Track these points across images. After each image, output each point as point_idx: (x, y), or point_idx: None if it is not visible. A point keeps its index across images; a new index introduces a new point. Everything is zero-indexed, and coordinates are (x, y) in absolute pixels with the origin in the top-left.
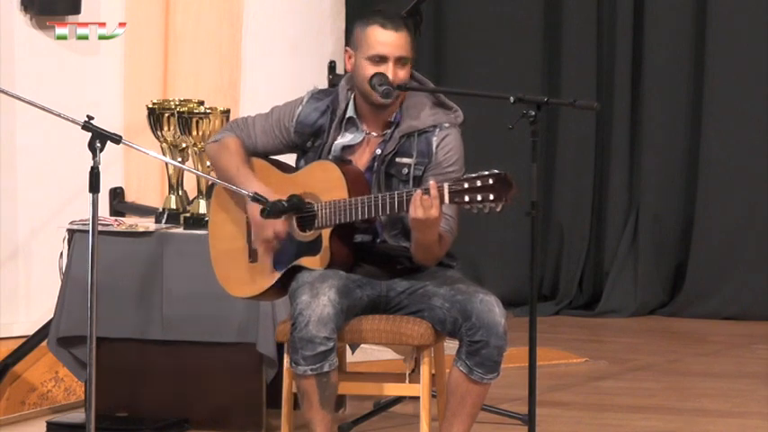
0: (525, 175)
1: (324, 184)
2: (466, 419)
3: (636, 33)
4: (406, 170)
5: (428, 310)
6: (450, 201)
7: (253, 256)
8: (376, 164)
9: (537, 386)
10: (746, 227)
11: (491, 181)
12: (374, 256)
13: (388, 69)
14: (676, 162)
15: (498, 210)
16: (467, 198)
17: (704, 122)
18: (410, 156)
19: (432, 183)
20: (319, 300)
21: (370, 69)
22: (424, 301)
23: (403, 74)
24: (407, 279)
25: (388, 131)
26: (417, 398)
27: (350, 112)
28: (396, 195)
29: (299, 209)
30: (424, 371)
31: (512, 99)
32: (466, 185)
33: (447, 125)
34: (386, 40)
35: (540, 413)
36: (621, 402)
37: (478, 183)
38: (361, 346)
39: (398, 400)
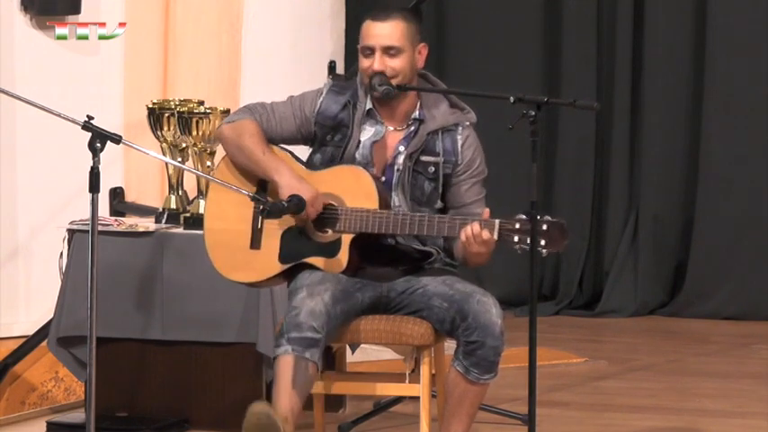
0: (525, 175)
1: (353, 189)
2: (464, 419)
3: (636, 33)
4: (433, 168)
5: (427, 309)
6: (499, 238)
7: (255, 242)
8: (401, 161)
9: (537, 386)
10: (746, 227)
11: (545, 227)
12: (378, 257)
13: (375, 60)
14: (676, 162)
15: (544, 255)
16: (516, 238)
17: (704, 122)
18: (435, 154)
19: (485, 214)
20: (314, 299)
21: (363, 62)
22: (423, 301)
23: (394, 64)
24: (407, 279)
25: (412, 128)
26: (417, 398)
27: (368, 105)
28: (437, 220)
29: (299, 209)
30: (424, 371)
31: (512, 99)
32: (517, 226)
33: (468, 124)
34: (372, 31)
35: (540, 413)
36: (621, 402)
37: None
38: (361, 346)
39: (398, 400)
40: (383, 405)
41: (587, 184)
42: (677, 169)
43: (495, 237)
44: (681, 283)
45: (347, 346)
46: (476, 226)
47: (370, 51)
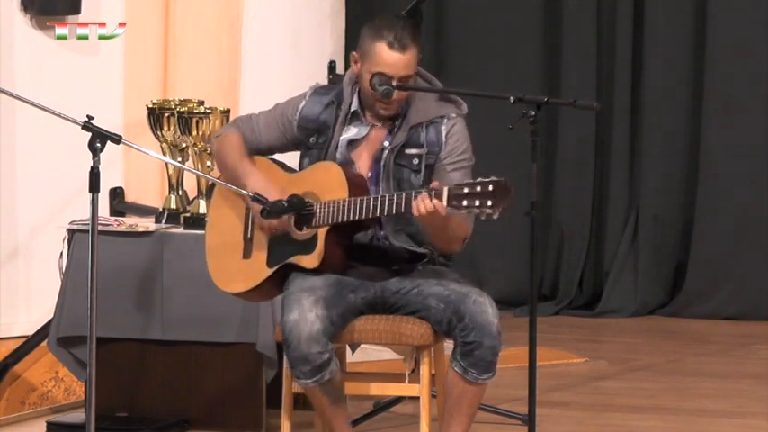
0: (525, 175)
1: (325, 183)
2: (464, 420)
3: (636, 33)
4: (417, 160)
5: (425, 310)
6: (449, 204)
7: (247, 252)
8: (385, 155)
9: (537, 386)
10: (746, 227)
11: (491, 188)
12: (369, 257)
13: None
14: (676, 162)
15: (495, 217)
16: (465, 203)
17: (704, 122)
18: (419, 146)
19: (435, 183)
20: (307, 317)
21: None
22: (419, 301)
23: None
24: (401, 279)
25: (396, 123)
26: (417, 398)
27: (354, 106)
28: (395, 197)
29: (298, 209)
30: (424, 371)
31: (512, 99)
32: (465, 190)
33: (454, 115)
34: (391, 61)
35: (540, 413)
36: (621, 402)
37: (478, 188)
38: (361, 346)
39: (398, 400)
40: (383, 405)
41: (587, 184)
42: (677, 169)
43: (445, 203)
44: (681, 283)
45: (347, 346)
46: (424, 196)
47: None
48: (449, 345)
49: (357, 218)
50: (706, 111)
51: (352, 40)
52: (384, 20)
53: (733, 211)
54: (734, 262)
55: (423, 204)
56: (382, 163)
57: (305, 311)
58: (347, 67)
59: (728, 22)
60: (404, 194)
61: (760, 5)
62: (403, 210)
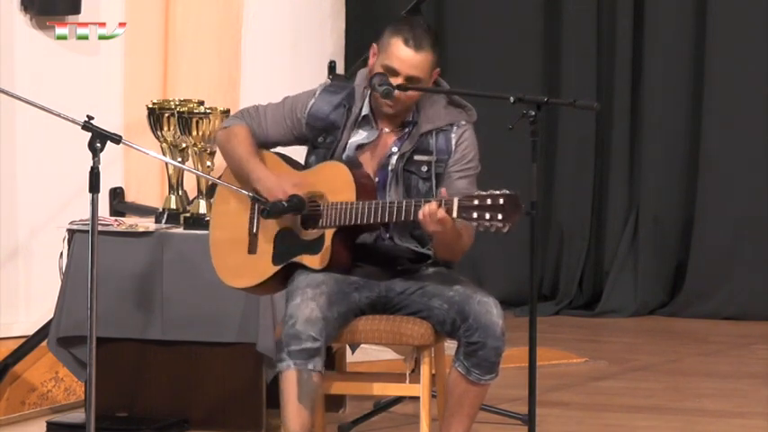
0: (525, 175)
1: (332, 184)
2: (464, 420)
3: (636, 33)
4: (426, 167)
5: (427, 310)
6: (458, 215)
7: (252, 247)
8: (394, 161)
9: (537, 386)
10: (746, 227)
11: (501, 201)
12: (374, 257)
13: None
14: (676, 162)
15: (505, 231)
16: (475, 215)
17: (704, 122)
18: (429, 153)
19: (442, 191)
20: (309, 304)
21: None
22: (422, 302)
23: (412, 92)
24: (406, 279)
25: (406, 130)
26: (417, 398)
27: (365, 111)
28: (404, 204)
29: (299, 209)
30: (424, 371)
31: (512, 99)
32: (476, 202)
33: (463, 123)
34: (402, 56)
35: (540, 413)
36: (621, 402)
37: (489, 201)
38: (361, 346)
39: (398, 400)
40: (383, 405)
41: (587, 184)
42: (677, 169)
43: (455, 214)
44: (681, 283)
45: (347, 346)
46: (432, 205)
47: (392, 72)
48: (449, 345)
49: (364, 222)
50: (706, 111)
51: (353, 40)
52: (410, 20)
53: (733, 211)
54: (734, 262)
55: (429, 213)
56: (390, 168)
57: (308, 299)
58: (347, 67)
59: (728, 22)
60: (413, 202)
61: (760, 5)
62: (412, 217)
